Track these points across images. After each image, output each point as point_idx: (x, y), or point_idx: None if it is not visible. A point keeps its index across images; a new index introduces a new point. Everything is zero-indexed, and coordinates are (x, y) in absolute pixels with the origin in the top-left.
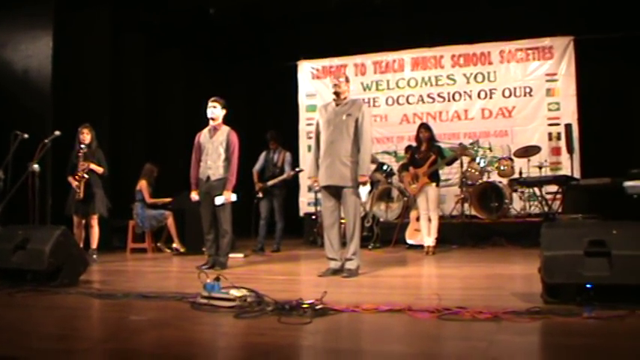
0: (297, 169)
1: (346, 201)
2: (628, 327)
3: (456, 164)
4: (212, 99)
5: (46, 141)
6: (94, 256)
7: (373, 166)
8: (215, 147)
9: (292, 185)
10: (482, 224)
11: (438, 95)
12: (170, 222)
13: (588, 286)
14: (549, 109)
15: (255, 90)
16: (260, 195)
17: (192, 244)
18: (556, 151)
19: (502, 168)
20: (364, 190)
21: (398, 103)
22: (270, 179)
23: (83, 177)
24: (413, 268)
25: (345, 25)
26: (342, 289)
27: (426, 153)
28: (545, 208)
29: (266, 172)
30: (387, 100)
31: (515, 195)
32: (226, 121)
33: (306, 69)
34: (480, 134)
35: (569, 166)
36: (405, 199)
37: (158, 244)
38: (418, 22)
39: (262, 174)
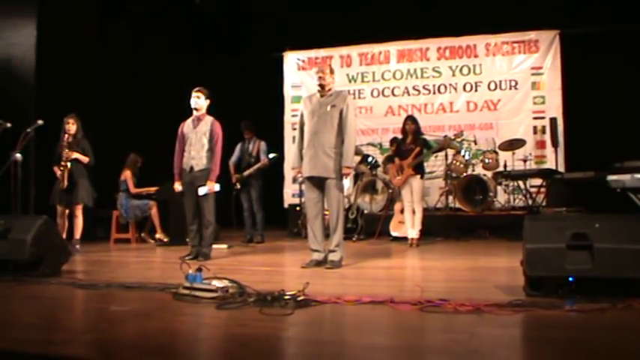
0: (270, 156)
1: (329, 192)
2: (609, 320)
3: (441, 156)
4: (196, 89)
5: (28, 130)
6: (77, 246)
7: (357, 158)
8: (199, 137)
9: (269, 174)
10: (467, 217)
11: (424, 87)
12: (154, 212)
13: (570, 279)
14: (534, 103)
15: (240, 81)
16: (238, 187)
17: (175, 235)
18: (541, 145)
19: (487, 161)
20: (345, 183)
21: (383, 95)
22: (246, 169)
23: (66, 166)
24: (396, 260)
25: (332, 16)
26: (325, 280)
27: (411, 145)
28: (530, 202)
29: (242, 163)
30: (372, 92)
31: (499, 188)
32: (210, 111)
33: (291, 60)
34: (465, 127)
35: (553, 159)
36: (390, 191)
37: (142, 235)
38: (404, 14)
39: (239, 165)
